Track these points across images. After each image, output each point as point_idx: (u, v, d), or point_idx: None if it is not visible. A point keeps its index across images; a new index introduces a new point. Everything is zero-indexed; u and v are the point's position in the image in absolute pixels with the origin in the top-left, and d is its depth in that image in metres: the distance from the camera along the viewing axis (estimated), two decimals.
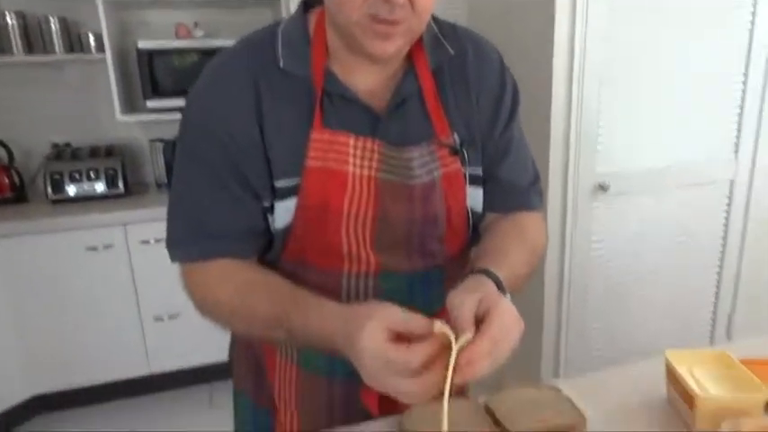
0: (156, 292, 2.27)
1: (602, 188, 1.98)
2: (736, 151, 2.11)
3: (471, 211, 0.89)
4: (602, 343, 2.15)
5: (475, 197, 0.88)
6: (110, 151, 2.46)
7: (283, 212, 0.80)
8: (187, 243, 0.82)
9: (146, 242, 2.23)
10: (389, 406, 0.86)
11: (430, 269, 0.88)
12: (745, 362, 0.90)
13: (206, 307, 0.82)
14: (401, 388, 0.62)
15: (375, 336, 0.62)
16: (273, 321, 0.75)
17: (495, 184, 0.90)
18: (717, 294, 2.27)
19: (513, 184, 0.91)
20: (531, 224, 0.91)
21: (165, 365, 2.40)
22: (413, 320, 0.64)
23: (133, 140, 2.62)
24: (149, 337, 2.33)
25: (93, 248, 2.19)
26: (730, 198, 2.15)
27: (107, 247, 2.20)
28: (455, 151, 0.84)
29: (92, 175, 2.32)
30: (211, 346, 2.31)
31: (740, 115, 2.08)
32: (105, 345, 2.29)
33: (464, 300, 0.66)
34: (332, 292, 0.81)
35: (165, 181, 2.47)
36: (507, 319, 0.65)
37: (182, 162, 0.82)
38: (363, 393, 0.86)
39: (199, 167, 0.79)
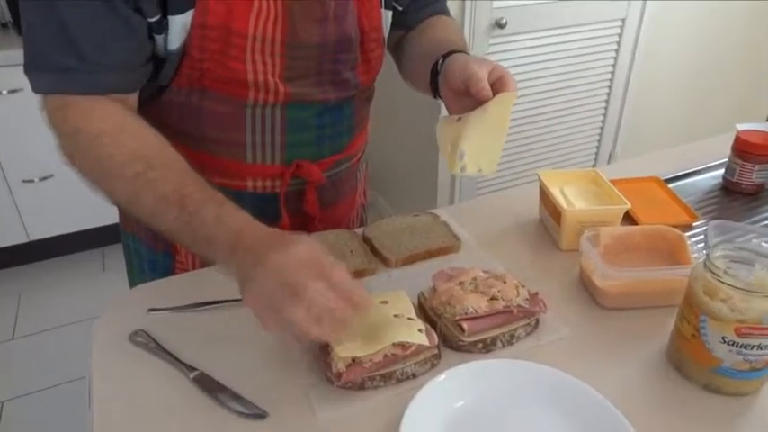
0: (19, 151, 2.02)
1: (499, 26, 1.92)
2: None
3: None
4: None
5: (386, 21, 0.83)
6: None
7: (178, 30, 0.68)
8: (49, 70, 0.66)
9: None
10: (301, 228, 0.87)
11: (341, 100, 0.82)
12: (613, 181, 0.93)
13: (80, 157, 0.67)
14: (299, 315, 0.53)
15: (315, 246, 0.56)
16: (172, 201, 0.62)
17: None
18: (600, 134, 2.38)
19: None
20: (450, 23, 0.93)
21: (44, 231, 2.24)
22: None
23: None
24: (21, 203, 2.13)
25: None
26: (620, 36, 2.17)
27: None
28: None
29: None
30: (94, 208, 2.18)
31: None
32: None
33: (482, 66, 0.71)
34: (235, 124, 0.75)
35: (10, 19, 2.10)
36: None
37: None
38: (282, 229, 0.82)
39: None
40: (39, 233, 2.23)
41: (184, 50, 0.70)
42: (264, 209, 0.82)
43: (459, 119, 0.72)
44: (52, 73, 0.66)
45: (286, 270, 0.54)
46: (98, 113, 0.67)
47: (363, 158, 0.99)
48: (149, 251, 0.91)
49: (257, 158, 0.81)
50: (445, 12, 0.96)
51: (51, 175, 2.10)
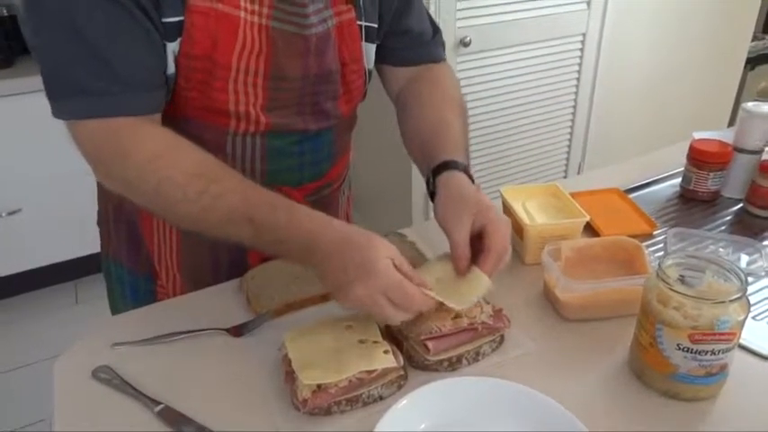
0: None
1: (464, 44, 1.96)
2: (589, 3, 2.15)
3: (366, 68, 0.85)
4: None
5: (368, 53, 0.85)
6: None
7: (171, 56, 0.69)
8: (86, 93, 0.65)
9: None
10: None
11: (322, 129, 0.84)
12: (573, 194, 0.96)
13: (137, 182, 0.67)
14: (388, 312, 0.62)
15: (395, 253, 0.63)
16: (239, 214, 0.64)
17: (404, 36, 0.89)
18: (569, 146, 2.43)
19: (422, 33, 0.91)
20: (448, 78, 0.93)
21: (14, 266, 2.19)
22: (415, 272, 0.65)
23: None
24: None
25: None
26: (582, 51, 2.23)
27: None
28: None
29: None
30: (66, 241, 2.16)
31: None
32: None
33: (458, 226, 0.70)
34: (215, 150, 0.73)
35: None
36: (502, 230, 0.69)
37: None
38: (251, 253, 0.84)
39: None
40: (7, 269, 2.19)
41: (173, 79, 0.71)
42: None
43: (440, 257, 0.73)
44: (84, 97, 0.65)
45: (368, 272, 0.60)
46: (146, 136, 0.67)
47: (346, 183, 1.00)
48: (131, 276, 0.92)
49: None
50: (441, 56, 0.96)
51: (19, 210, 2.06)
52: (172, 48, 0.69)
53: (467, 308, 0.68)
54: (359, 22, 0.81)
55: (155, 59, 0.68)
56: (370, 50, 0.85)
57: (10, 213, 2.05)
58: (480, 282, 0.68)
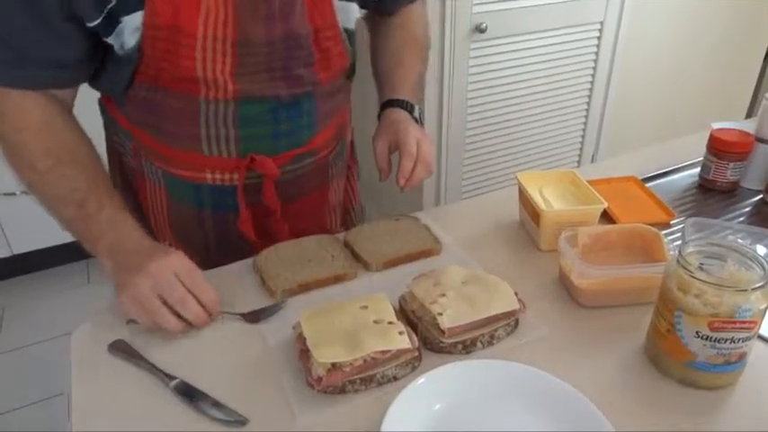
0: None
1: (480, 30, 1.94)
2: None
3: (346, 30, 0.84)
4: (475, 176, 2.25)
5: (346, 12, 0.83)
6: None
7: (131, 30, 0.70)
8: None
9: None
10: (265, 233, 0.90)
11: (298, 96, 0.83)
12: (591, 181, 0.95)
13: (2, 132, 0.75)
14: (163, 316, 0.68)
15: (185, 259, 0.72)
16: (76, 198, 0.73)
17: None
18: (583, 135, 2.41)
19: None
20: (415, 19, 1.02)
21: (27, 244, 2.21)
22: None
23: None
24: (3, 216, 2.10)
25: None
26: (599, 39, 2.20)
27: None
28: None
29: None
30: None
31: None
32: None
33: (378, 142, 0.90)
34: (190, 118, 0.79)
35: None
36: (412, 135, 0.87)
37: None
38: (241, 222, 0.87)
39: None
40: (22, 246, 2.20)
41: (141, 49, 0.72)
42: (223, 201, 0.86)
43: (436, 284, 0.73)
44: None
45: (160, 276, 0.68)
46: (27, 107, 0.74)
47: (338, 154, 0.98)
48: None
49: (213, 151, 0.83)
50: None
51: None
52: (132, 21, 0.70)
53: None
54: None
55: (58, 43, 0.71)
56: (345, 9, 0.83)
57: (24, 191, 2.06)
58: (499, 289, 0.72)
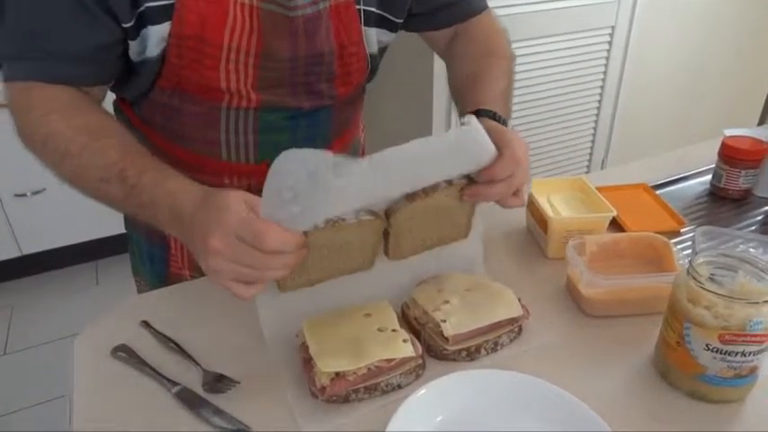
0: (11, 165, 2.01)
1: None
2: None
3: (368, 52, 0.84)
4: None
5: (369, 38, 0.83)
6: None
7: (157, 40, 0.70)
8: (18, 59, 0.69)
9: None
10: None
11: (317, 108, 0.84)
12: (599, 188, 0.93)
13: (32, 136, 0.71)
14: (252, 260, 0.57)
15: (241, 198, 0.60)
16: (115, 172, 0.66)
17: (431, 1, 0.89)
18: (593, 141, 2.39)
19: None
20: (490, 32, 0.94)
21: (37, 245, 2.23)
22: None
23: None
24: (13, 217, 2.12)
25: None
26: (610, 44, 2.19)
27: None
28: None
29: None
30: (88, 222, 2.18)
31: None
32: None
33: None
34: (211, 124, 0.80)
35: None
36: (517, 146, 0.69)
37: None
38: None
39: None
40: (31, 247, 2.22)
41: (164, 57, 0.72)
42: None
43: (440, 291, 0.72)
44: (21, 62, 0.69)
45: (226, 251, 0.57)
46: (53, 94, 0.70)
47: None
48: (148, 244, 0.95)
49: (231, 157, 0.83)
50: (477, 10, 0.94)
51: (44, 189, 2.09)
52: (158, 31, 0.69)
53: None
54: (357, 6, 0.80)
55: (95, 39, 0.69)
56: (371, 35, 0.84)
57: (34, 193, 2.09)
58: (502, 295, 0.71)
